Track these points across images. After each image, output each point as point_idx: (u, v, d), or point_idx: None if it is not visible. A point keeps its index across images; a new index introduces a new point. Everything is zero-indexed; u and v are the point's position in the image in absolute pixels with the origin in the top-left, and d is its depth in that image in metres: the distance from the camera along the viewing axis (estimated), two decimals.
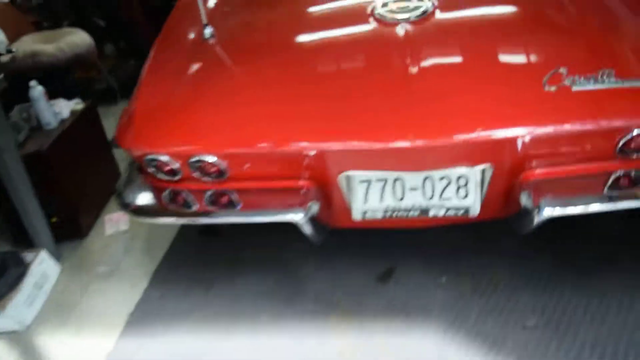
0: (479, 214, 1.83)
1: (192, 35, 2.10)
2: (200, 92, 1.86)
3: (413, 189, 1.80)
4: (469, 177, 1.74)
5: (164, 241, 2.71)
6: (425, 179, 1.77)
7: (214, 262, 2.47)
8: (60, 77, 3.86)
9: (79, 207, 2.89)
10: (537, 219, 1.63)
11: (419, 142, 1.62)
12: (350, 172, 1.72)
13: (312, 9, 2.22)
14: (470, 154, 1.69)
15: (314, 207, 1.75)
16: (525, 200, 1.68)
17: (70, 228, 2.86)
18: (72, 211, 2.84)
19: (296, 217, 1.70)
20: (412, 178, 1.76)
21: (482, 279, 2.14)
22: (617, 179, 1.67)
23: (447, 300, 2.07)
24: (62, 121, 2.90)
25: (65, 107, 2.99)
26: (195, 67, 1.94)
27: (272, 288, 2.26)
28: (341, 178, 1.74)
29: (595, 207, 1.62)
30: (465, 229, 2.06)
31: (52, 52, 3.93)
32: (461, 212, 1.83)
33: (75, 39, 4.10)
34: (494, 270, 2.17)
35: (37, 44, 4.03)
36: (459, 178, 1.75)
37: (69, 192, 2.79)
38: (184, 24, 2.24)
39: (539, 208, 1.61)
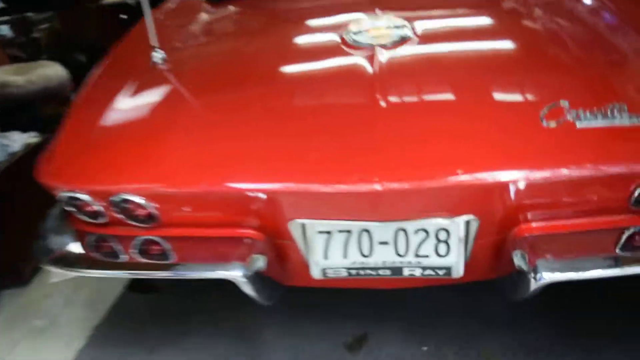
0: (464, 275, 1.51)
1: (138, 61, 1.82)
2: (131, 123, 1.58)
3: (383, 242, 1.48)
4: (450, 230, 1.42)
5: (112, 292, 2.37)
6: (398, 231, 1.45)
7: (161, 321, 2.12)
8: (27, 110, 3.63)
9: (23, 250, 2.56)
10: (533, 285, 1.31)
11: (390, 186, 1.31)
12: (306, 221, 1.41)
13: (280, 36, 1.97)
14: (451, 203, 1.39)
15: (259, 262, 1.44)
16: (518, 260, 1.37)
17: (12, 273, 2.54)
18: (15, 254, 2.52)
19: (233, 273, 1.38)
20: (382, 230, 1.45)
21: (470, 352, 1.79)
22: (632, 237, 1.35)
23: None
24: (12, 154, 2.62)
25: (18, 140, 2.73)
26: (132, 96, 1.66)
27: (222, 356, 1.91)
28: (294, 226, 1.42)
29: (604, 272, 1.29)
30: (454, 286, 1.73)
31: (22, 84, 3.71)
32: (442, 272, 1.51)
33: (48, 72, 3.89)
34: (483, 341, 1.81)
35: (7, 75, 3.81)
36: (438, 231, 1.43)
37: (11, 232, 2.48)
38: (132, 48, 1.98)
39: (536, 271, 1.29)
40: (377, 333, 1.93)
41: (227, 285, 1.43)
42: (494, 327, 1.87)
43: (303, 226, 1.45)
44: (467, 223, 1.41)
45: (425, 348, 1.84)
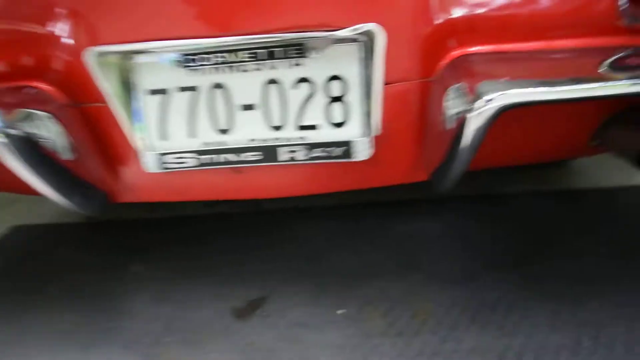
0: (375, 160, 0.97)
1: None
2: None
3: (247, 107, 0.95)
4: (344, 74, 0.89)
5: None
6: (267, 85, 0.93)
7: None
8: None
9: None
10: (480, 117, 0.77)
11: None
12: (106, 48, 0.88)
13: None
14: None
15: (42, 125, 0.89)
16: (452, 103, 0.83)
17: None
18: None
19: None
20: (243, 83, 0.93)
21: (404, 313, 1.22)
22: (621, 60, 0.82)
23: (344, 344, 1.12)
24: None
25: None
26: None
27: (77, 325, 1.30)
28: (97, 66, 0.89)
29: (584, 91, 0.75)
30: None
31: None
32: (338, 151, 0.96)
33: None
34: (422, 299, 1.24)
35: None
36: (326, 82, 0.90)
37: None
38: None
39: (479, 95, 0.75)
40: (277, 296, 1.34)
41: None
42: (437, 283, 1.31)
43: (118, 69, 0.92)
44: (369, 40, 0.88)
45: (341, 311, 1.26)
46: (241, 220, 1.70)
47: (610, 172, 1.83)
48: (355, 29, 0.84)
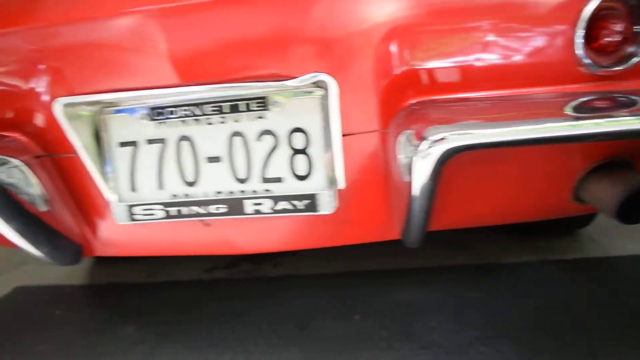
0: (340, 213, 0.95)
1: None
2: None
3: (213, 159, 0.96)
4: (306, 127, 0.90)
5: None
6: (232, 137, 0.94)
7: None
8: None
9: None
10: (427, 160, 0.75)
11: None
12: (72, 99, 0.92)
13: None
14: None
15: (17, 171, 0.93)
16: (404, 150, 0.82)
17: None
18: None
19: None
20: (208, 135, 0.95)
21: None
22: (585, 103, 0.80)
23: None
24: None
25: None
26: None
27: None
28: (65, 115, 0.93)
29: (535, 132, 0.72)
30: None
31: None
32: (303, 204, 0.95)
33: None
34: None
35: None
36: (290, 134, 0.92)
37: None
38: None
39: (424, 137, 0.74)
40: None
41: None
42: (430, 355, 1.23)
43: (88, 122, 0.95)
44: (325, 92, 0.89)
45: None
46: (235, 285, 1.67)
47: (619, 240, 1.73)
48: (305, 79, 0.85)
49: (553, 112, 0.78)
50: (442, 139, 0.74)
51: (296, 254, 1.81)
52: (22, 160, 0.96)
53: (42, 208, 1.00)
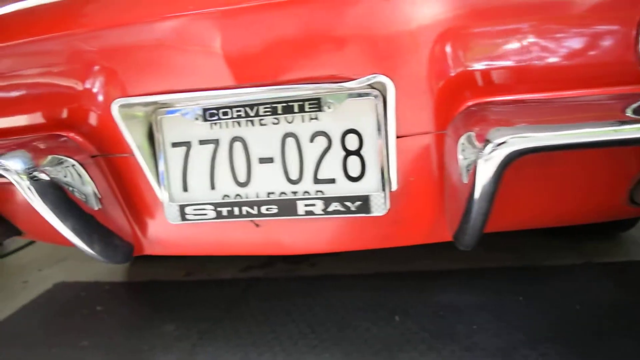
0: (393, 214, 0.95)
1: None
2: None
3: (265, 160, 0.97)
4: (360, 128, 0.90)
5: None
6: (285, 138, 0.95)
7: None
8: None
9: None
10: (490, 163, 0.74)
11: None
12: (131, 100, 0.93)
13: None
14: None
15: (69, 170, 0.94)
16: (465, 152, 0.81)
17: None
18: None
19: (8, 163, 0.88)
20: (261, 136, 0.95)
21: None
22: None
23: None
24: None
25: None
26: None
27: None
28: (123, 118, 0.95)
29: (602, 135, 0.71)
30: None
31: None
32: (355, 205, 0.95)
33: None
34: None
35: None
36: (344, 135, 0.91)
37: None
38: None
39: (488, 141, 0.74)
40: None
41: None
42: (471, 357, 1.22)
43: (143, 122, 0.97)
44: (381, 95, 0.88)
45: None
46: (274, 285, 1.68)
47: None
48: (363, 81, 0.85)
49: (614, 114, 0.76)
50: (505, 142, 0.73)
51: (334, 254, 1.81)
52: (77, 160, 0.97)
53: (96, 207, 1.02)
